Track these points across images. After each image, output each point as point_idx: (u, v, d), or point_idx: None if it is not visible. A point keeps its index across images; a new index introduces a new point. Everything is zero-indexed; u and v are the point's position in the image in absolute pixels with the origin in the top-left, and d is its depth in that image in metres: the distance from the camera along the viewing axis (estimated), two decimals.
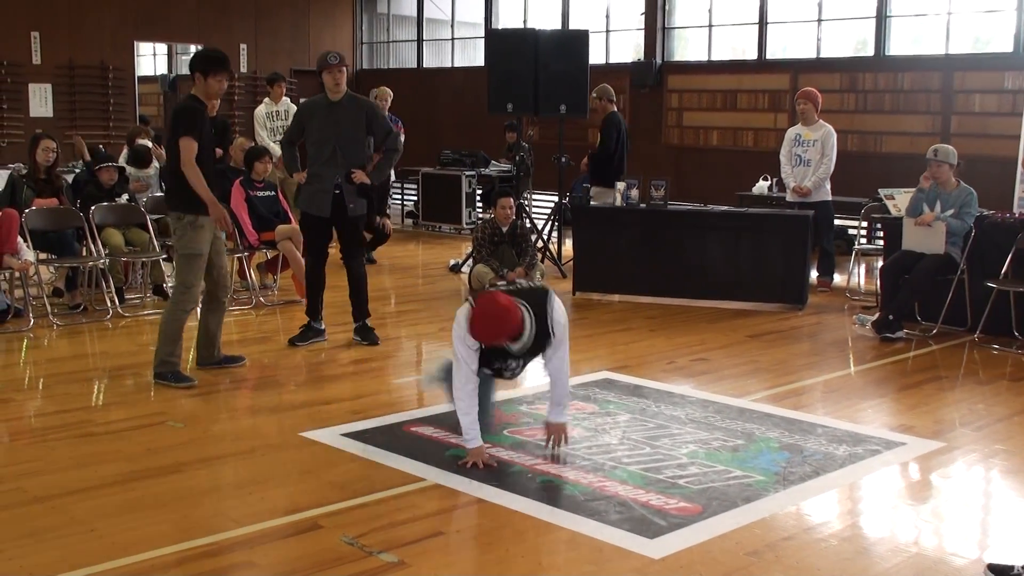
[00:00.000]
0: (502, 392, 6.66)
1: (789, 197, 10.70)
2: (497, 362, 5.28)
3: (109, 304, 8.85)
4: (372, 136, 7.84)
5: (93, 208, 8.97)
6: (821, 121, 10.60)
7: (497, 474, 5.14)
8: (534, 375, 7.19)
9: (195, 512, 4.66)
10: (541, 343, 5.18)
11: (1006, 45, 12.90)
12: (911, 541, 4.52)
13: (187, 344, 7.09)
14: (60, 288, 9.45)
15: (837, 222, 11.47)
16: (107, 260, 8.89)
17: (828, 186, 10.55)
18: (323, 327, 7.99)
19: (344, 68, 7.55)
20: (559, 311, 5.22)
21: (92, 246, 8.89)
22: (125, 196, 9.62)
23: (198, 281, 6.83)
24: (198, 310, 7.08)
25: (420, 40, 20.18)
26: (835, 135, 10.51)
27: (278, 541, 4.37)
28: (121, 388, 6.83)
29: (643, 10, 16.17)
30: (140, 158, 10.84)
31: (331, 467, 5.27)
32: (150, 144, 11.52)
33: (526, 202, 13.89)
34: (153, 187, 10.64)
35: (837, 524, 4.70)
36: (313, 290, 7.92)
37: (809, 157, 10.47)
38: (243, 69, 18.89)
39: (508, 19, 18.69)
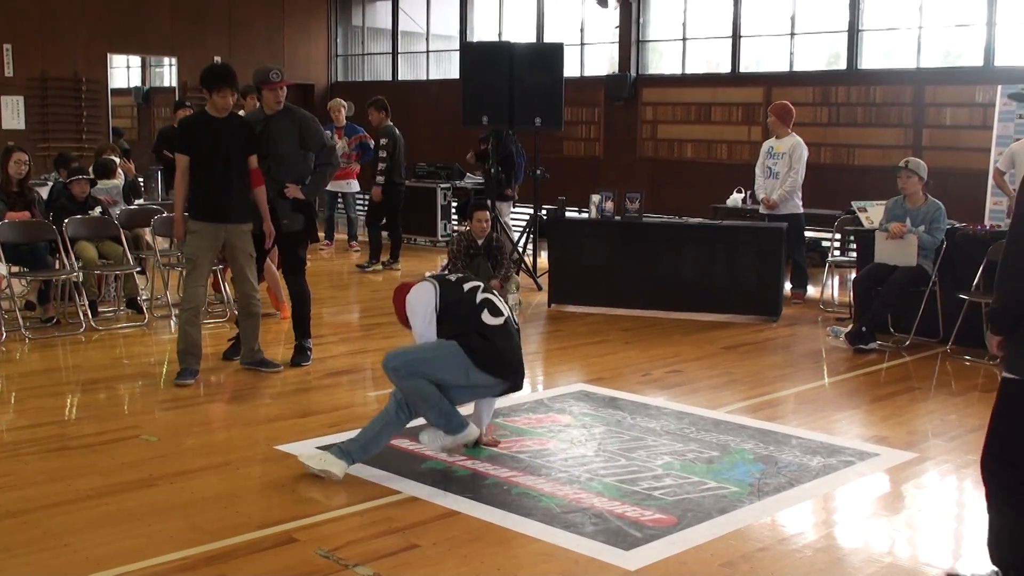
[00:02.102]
0: None
1: (761, 209, 10.76)
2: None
3: (82, 317, 8.79)
4: (309, 150, 7.59)
5: (66, 221, 8.91)
6: (792, 133, 10.66)
7: (472, 486, 5.14)
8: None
9: (169, 526, 4.64)
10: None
11: (976, 59, 13.02)
12: (885, 551, 4.55)
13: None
14: (32, 301, 9.39)
15: (810, 234, 11.55)
16: (80, 273, 8.83)
17: (799, 199, 10.58)
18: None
19: (286, 85, 7.43)
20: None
21: (65, 259, 8.84)
22: (98, 209, 9.57)
23: (194, 282, 7.14)
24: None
25: (395, 52, 20.19)
26: (804, 147, 10.55)
27: (253, 555, 4.35)
28: (94, 402, 6.80)
29: (617, 23, 16.23)
30: (104, 171, 10.79)
31: (306, 480, 5.25)
32: (116, 159, 11.50)
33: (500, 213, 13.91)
34: (120, 201, 10.61)
35: (812, 535, 4.72)
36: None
37: (778, 169, 10.53)
38: None
39: (483, 32, 18.73)
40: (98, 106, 17.52)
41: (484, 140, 12.46)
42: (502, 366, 5.42)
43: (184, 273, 7.34)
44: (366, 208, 13.55)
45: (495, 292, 5.67)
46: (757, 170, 10.80)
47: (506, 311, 5.56)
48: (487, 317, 5.41)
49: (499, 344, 5.39)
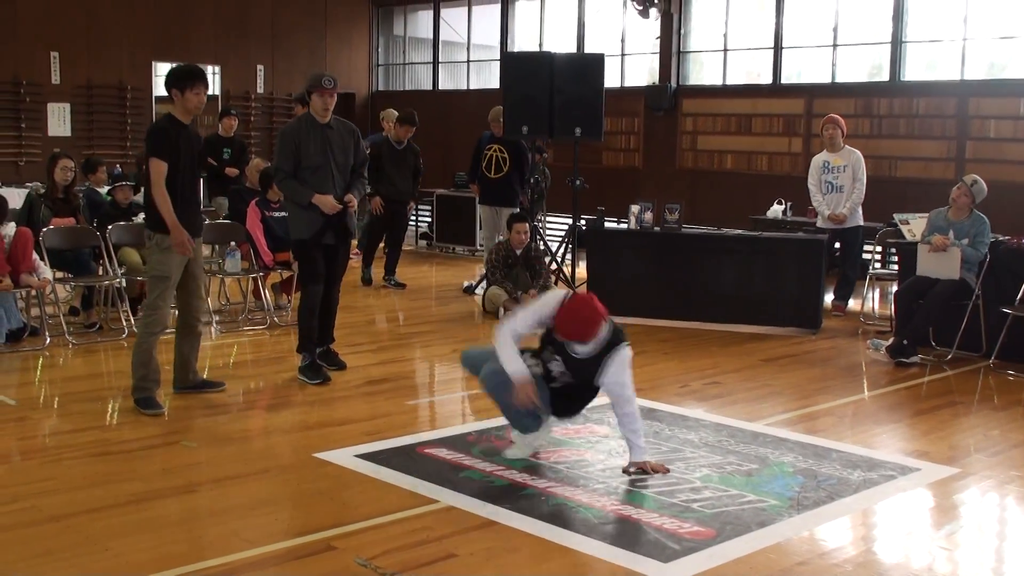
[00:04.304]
0: None
1: (822, 223, 10.63)
2: (551, 353, 5.54)
3: (125, 323, 8.88)
4: (355, 161, 7.56)
5: (110, 227, 9.01)
6: (848, 147, 10.59)
7: (510, 496, 5.14)
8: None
9: (208, 532, 4.67)
10: (589, 372, 5.45)
11: (1021, 71, 12.89)
12: (925, 567, 4.50)
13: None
14: (76, 307, 9.50)
15: None
16: (123, 279, 8.92)
17: (860, 211, 10.54)
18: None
19: (336, 93, 7.36)
20: (618, 364, 5.45)
21: (108, 265, 8.94)
22: (142, 215, 9.66)
23: (165, 304, 6.67)
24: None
25: (436, 62, 20.27)
26: (863, 160, 10.51)
27: (291, 562, 4.37)
28: (136, 407, 6.84)
29: (658, 34, 16.20)
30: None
31: (345, 488, 5.27)
32: None
33: (540, 224, 13.91)
34: None
35: (851, 550, 4.68)
36: (312, 323, 7.56)
37: (841, 183, 10.45)
38: (260, 90, 19.02)
39: (524, 42, 18.77)
40: (142, 114, 17.71)
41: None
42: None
43: (151, 294, 6.71)
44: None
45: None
46: (812, 186, 10.67)
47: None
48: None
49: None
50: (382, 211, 11.68)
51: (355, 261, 12.22)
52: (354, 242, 11.45)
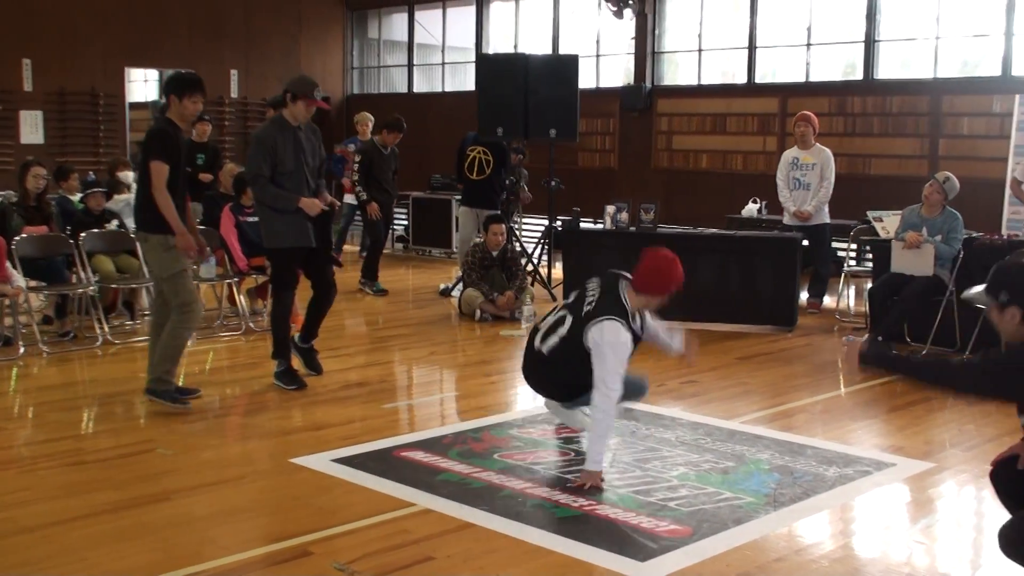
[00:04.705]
0: (494, 416, 6.68)
1: (788, 220, 10.70)
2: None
3: (99, 331, 8.83)
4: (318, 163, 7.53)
5: (83, 235, 8.96)
6: (819, 145, 10.65)
7: (488, 498, 5.14)
8: (523, 398, 7.21)
9: (185, 540, 4.65)
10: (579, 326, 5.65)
11: (994, 69, 12.98)
12: (903, 562, 4.53)
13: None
14: (50, 316, 9.43)
15: None
16: (97, 287, 8.87)
17: (826, 209, 10.60)
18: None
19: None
20: (598, 330, 5.54)
21: (82, 273, 8.88)
22: (115, 222, 9.62)
23: (193, 297, 6.82)
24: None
25: (411, 65, 20.25)
26: (833, 159, 10.57)
27: (268, 568, 4.36)
28: (111, 416, 6.80)
29: (633, 35, 16.24)
30: (116, 188, 10.86)
31: (321, 493, 5.26)
32: (130, 172, 11.56)
33: (516, 226, 13.91)
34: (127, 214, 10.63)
35: (828, 545, 4.70)
36: (287, 329, 7.56)
37: (808, 180, 10.51)
38: (234, 95, 18.95)
39: (499, 44, 18.78)
40: (116, 120, 17.62)
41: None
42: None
43: (175, 295, 6.72)
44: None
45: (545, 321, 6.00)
46: (780, 182, 10.73)
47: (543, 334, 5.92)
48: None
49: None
50: (379, 216, 11.69)
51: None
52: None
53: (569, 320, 5.70)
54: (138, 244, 6.96)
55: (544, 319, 6.07)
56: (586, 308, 5.63)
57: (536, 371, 6.02)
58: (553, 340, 5.76)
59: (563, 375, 5.80)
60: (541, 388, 6.20)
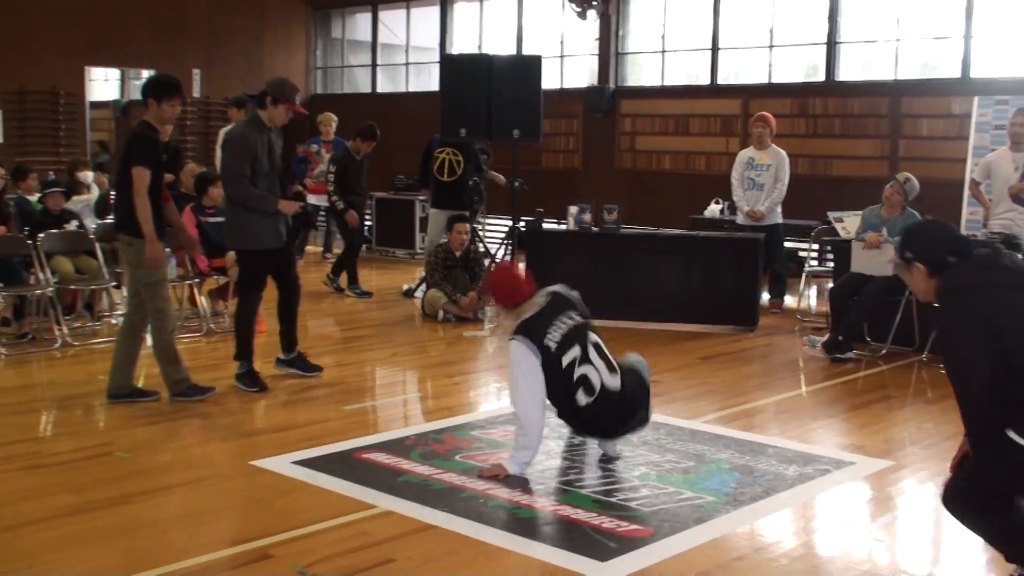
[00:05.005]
0: (457, 418, 6.67)
1: (741, 220, 10.79)
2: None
3: (57, 333, 8.74)
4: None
5: (41, 235, 8.86)
6: (775, 146, 10.72)
7: (449, 499, 5.13)
8: (486, 399, 7.20)
9: (145, 543, 4.61)
10: None
11: (953, 71, 13.10)
12: (863, 559, 4.56)
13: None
14: (7, 317, 9.32)
15: (788, 244, 11.58)
16: (55, 288, 8.78)
17: (779, 209, 10.67)
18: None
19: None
20: (514, 348, 5.44)
21: (40, 274, 8.78)
22: (74, 223, 9.52)
23: (168, 303, 6.95)
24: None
25: (374, 65, 20.19)
26: (788, 160, 10.64)
27: (228, 571, 4.33)
28: (70, 418, 6.75)
29: (597, 36, 16.27)
30: (76, 188, 10.77)
31: (282, 495, 5.23)
32: (90, 172, 11.46)
33: (480, 227, 13.89)
34: (87, 214, 10.55)
35: (789, 543, 4.73)
36: (251, 330, 7.53)
37: (763, 181, 10.58)
38: (196, 94, 18.80)
39: (463, 44, 18.76)
40: (76, 119, 17.45)
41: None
42: (597, 431, 5.78)
43: (151, 300, 6.76)
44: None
45: (594, 352, 5.60)
46: (734, 181, 10.82)
47: (604, 374, 5.57)
48: (581, 397, 5.47)
49: (594, 414, 5.55)
50: (358, 224, 11.67)
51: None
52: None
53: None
54: (120, 247, 6.95)
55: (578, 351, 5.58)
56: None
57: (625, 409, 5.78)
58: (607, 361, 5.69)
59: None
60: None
